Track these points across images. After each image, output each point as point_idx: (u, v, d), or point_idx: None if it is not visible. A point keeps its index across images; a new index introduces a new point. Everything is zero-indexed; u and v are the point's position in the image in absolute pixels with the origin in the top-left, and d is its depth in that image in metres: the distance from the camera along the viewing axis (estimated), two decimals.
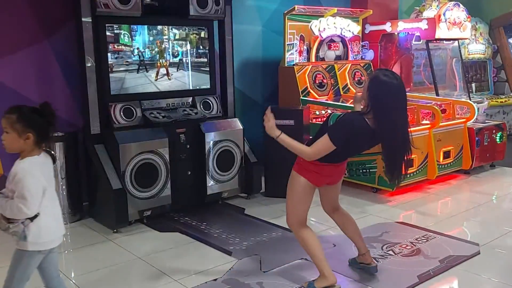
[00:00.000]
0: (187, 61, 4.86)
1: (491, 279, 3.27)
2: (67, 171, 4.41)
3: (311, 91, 5.80)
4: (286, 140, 2.95)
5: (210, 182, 4.72)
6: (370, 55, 6.73)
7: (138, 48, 4.52)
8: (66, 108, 4.74)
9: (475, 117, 5.88)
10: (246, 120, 5.33)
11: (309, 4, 6.12)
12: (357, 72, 6.36)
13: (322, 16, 6.04)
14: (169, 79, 4.73)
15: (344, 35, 6.29)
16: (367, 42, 6.76)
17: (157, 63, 4.65)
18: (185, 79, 4.86)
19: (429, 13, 6.74)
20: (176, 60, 4.79)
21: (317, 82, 5.93)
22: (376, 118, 2.79)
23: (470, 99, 6.58)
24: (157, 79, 4.66)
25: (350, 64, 6.33)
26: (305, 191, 3.01)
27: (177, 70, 4.80)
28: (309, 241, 3.03)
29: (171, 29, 4.71)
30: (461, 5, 6.63)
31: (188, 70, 4.88)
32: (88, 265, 3.55)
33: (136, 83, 4.54)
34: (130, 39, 4.46)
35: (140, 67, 4.55)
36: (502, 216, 4.57)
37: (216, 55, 5.13)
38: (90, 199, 4.57)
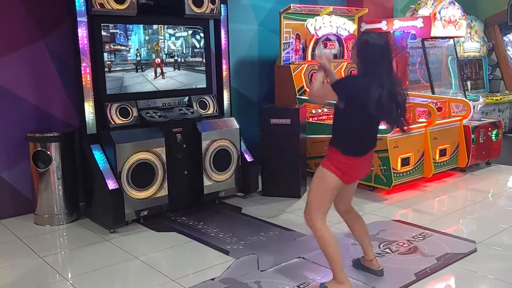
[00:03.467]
0: (183, 60, 4.85)
1: (488, 276, 3.28)
2: (63, 171, 4.40)
3: (307, 89, 5.80)
4: (318, 78, 3.06)
5: (206, 182, 4.72)
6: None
7: (136, 48, 4.50)
8: (62, 108, 4.74)
9: (470, 115, 5.89)
10: (243, 119, 5.33)
11: (305, 3, 6.12)
12: (353, 70, 6.36)
13: (318, 15, 6.04)
14: (163, 78, 4.72)
15: (340, 34, 6.30)
16: None
17: (154, 63, 4.65)
18: (181, 78, 4.85)
19: (424, 11, 6.75)
20: (172, 59, 4.78)
21: (313, 80, 5.92)
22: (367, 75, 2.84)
23: (465, 97, 6.60)
24: (156, 78, 4.66)
25: (346, 63, 6.33)
26: (335, 188, 2.99)
27: (173, 70, 4.80)
28: (330, 242, 2.97)
29: (167, 28, 4.70)
30: (456, 3, 6.65)
31: (184, 69, 4.87)
32: (85, 265, 3.54)
33: (132, 83, 4.53)
34: (125, 38, 4.45)
35: (137, 67, 4.54)
36: (498, 214, 4.59)
37: (212, 54, 5.12)
38: (87, 199, 4.56)
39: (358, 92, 2.82)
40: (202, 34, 4.93)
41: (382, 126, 5.14)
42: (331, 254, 2.97)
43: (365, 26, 6.85)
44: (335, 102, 2.96)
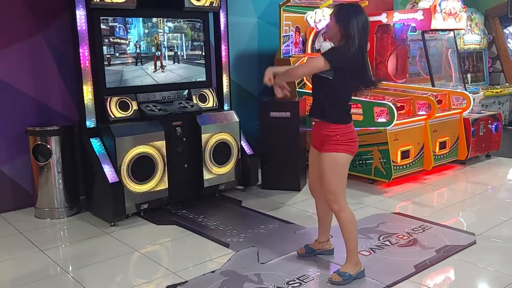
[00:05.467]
0: (183, 53, 4.84)
1: (487, 268, 3.30)
2: (63, 165, 4.40)
3: (307, 82, 5.79)
4: (282, 76, 3.12)
5: (206, 175, 4.72)
6: None
7: (135, 41, 4.50)
8: (62, 102, 4.74)
9: (470, 107, 5.89)
10: (242, 113, 5.33)
11: None
12: None
13: (318, 7, 6.02)
14: (163, 72, 4.71)
15: None
16: None
17: (154, 56, 4.64)
18: (180, 71, 4.85)
19: (424, 3, 6.72)
20: (172, 52, 4.77)
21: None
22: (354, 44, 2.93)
23: (465, 90, 6.59)
24: (156, 71, 4.66)
25: None
26: (348, 165, 3.10)
27: (173, 63, 4.79)
28: (354, 225, 3.09)
29: (166, 21, 4.69)
30: None
31: (184, 62, 4.86)
32: (85, 258, 3.56)
33: (132, 76, 4.52)
34: (125, 31, 4.43)
35: (137, 60, 4.53)
36: (497, 206, 4.60)
37: (211, 47, 5.11)
38: (87, 193, 4.56)
39: (352, 61, 2.95)
40: (201, 27, 4.92)
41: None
42: (355, 233, 3.10)
43: None
44: (323, 74, 2.96)
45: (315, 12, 5.94)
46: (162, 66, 4.71)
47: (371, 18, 6.78)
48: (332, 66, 2.90)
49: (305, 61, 3.12)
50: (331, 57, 2.92)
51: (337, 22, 2.96)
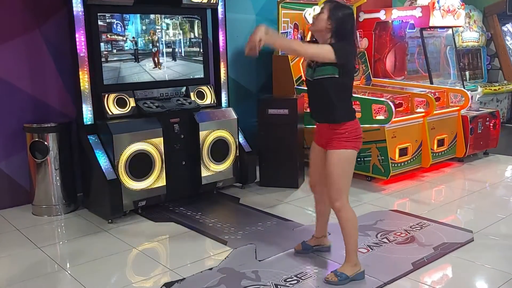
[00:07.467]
0: (180, 50, 4.83)
1: (485, 265, 3.30)
2: (61, 162, 4.39)
3: (302, 76, 5.78)
4: (282, 41, 3.08)
5: (204, 172, 4.71)
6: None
7: (133, 37, 4.48)
8: (59, 99, 4.72)
9: (469, 105, 5.89)
10: (240, 110, 5.31)
11: None
12: None
13: (316, 4, 6.00)
14: (159, 69, 4.70)
15: None
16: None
17: (152, 53, 4.62)
18: (178, 68, 4.83)
19: (423, 0, 6.72)
20: (169, 49, 4.75)
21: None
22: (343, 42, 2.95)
23: (464, 87, 6.59)
24: (159, 68, 4.65)
25: None
26: (354, 163, 3.08)
27: (171, 60, 4.77)
28: (354, 225, 3.06)
29: (164, 18, 4.67)
30: None
31: (182, 59, 4.85)
32: (83, 255, 3.55)
33: (129, 73, 4.51)
34: (122, 28, 4.42)
35: (135, 57, 4.52)
36: (495, 203, 4.60)
37: (209, 44, 5.09)
38: (85, 190, 4.55)
39: (352, 56, 2.98)
40: (199, 24, 4.90)
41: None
42: (355, 234, 3.08)
43: (363, 16, 6.82)
44: (327, 75, 2.93)
45: (314, 9, 5.92)
46: (159, 63, 4.69)
47: (370, 15, 6.79)
48: (339, 62, 2.86)
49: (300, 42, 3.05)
50: (340, 53, 2.86)
51: (330, 17, 2.94)
